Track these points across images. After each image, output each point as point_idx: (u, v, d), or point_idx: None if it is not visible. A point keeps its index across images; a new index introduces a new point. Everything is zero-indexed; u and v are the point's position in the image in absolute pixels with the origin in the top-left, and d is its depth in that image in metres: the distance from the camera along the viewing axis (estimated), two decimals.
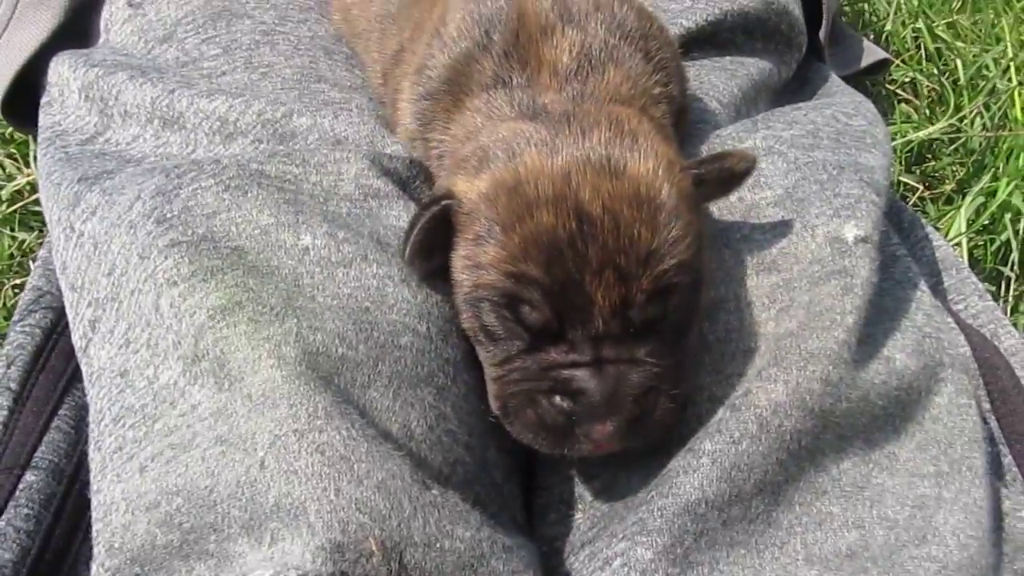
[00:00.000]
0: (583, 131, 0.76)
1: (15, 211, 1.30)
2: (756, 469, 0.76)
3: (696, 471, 0.75)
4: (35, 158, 1.26)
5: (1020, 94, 1.54)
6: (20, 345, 0.95)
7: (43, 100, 1.06)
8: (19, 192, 1.32)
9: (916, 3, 1.75)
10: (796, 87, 1.28)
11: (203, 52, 1.03)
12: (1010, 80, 1.57)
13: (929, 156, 1.53)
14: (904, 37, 1.70)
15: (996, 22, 1.71)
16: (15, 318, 0.98)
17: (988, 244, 1.35)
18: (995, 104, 1.53)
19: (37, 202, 1.26)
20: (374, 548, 0.64)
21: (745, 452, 0.76)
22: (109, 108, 0.98)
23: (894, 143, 1.42)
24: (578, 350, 0.73)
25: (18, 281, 1.21)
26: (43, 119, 1.04)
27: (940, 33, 1.70)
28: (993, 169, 1.43)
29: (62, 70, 1.04)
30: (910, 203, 1.41)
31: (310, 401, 0.69)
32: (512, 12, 0.87)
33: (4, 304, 1.18)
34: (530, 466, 0.87)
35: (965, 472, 0.84)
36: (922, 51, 1.67)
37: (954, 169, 1.49)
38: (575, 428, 0.73)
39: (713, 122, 1.05)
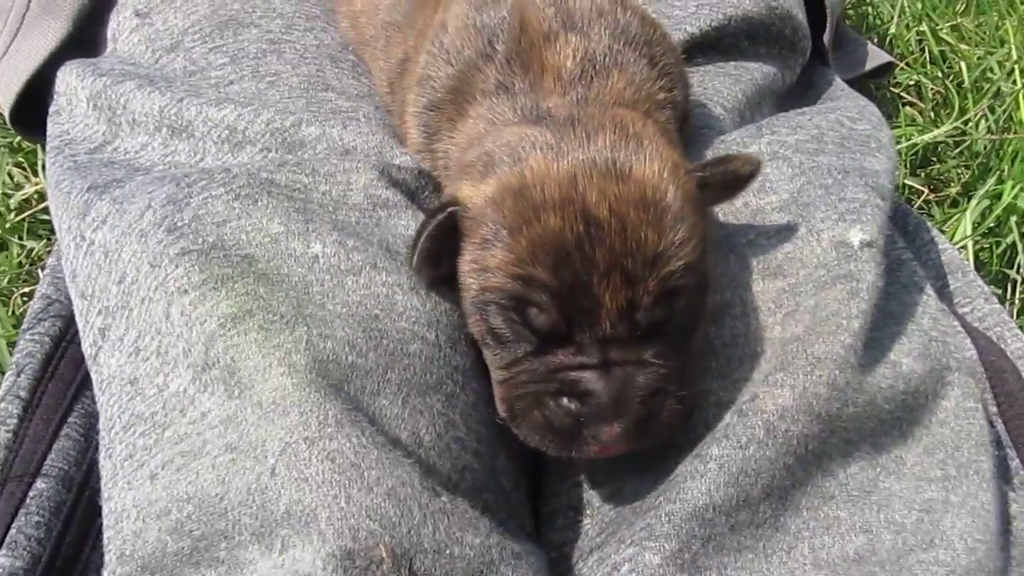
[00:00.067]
0: (588, 134, 0.76)
1: (23, 220, 1.30)
2: (763, 474, 0.76)
3: (703, 476, 0.76)
4: (43, 167, 1.27)
5: None
6: (29, 353, 0.95)
7: (51, 109, 1.07)
8: (27, 201, 1.33)
9: (920, 6, 1.75)
10: (800, 91, 1.28)
11: (210, 61, 1.03)
12: (1015, 83, 1.57)
13: (934, 159, 1.53)
14: (908, 40, 1.70)
15: (1000, 25, 1.72)
16: (24, 326, 0.98)
17: (994, 247, 1.35)
18: (1000, 107, 1.53)
19: (45, 211, 1.27)
20: (384, 555, 0.65)
21: (752, 457, 0.76)
22: (117, 117, 0.99)
23: (899, 146, 1.42)
24: (585, 352, 0.73)
25: (27, 289, 1.21)
26: (51, 128, 1.04)
27: (944, 36, 1.70)
28: (998, 172, 1.43)
29: (70, 79, 1.04)
30: (915, 206, 1.41)
31: (320, 409, 0.69)
32: (514, 20, 0.88)
33: (13, 312, 1.19)
34: (538, 473, 0.87)
35: (972, 476, 0.84)
36: (926, 54, 1.67)
37: (959, 172, 1.49)
38: (582, 430, 0.74)
39: (717, 127, 1.05)
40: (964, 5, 1.80)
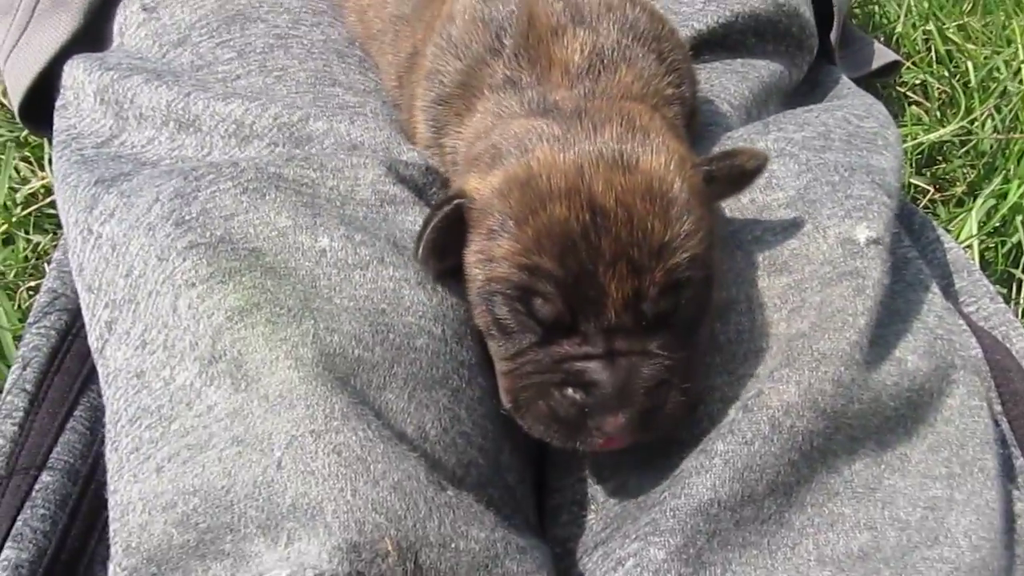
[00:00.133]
0: (595, 126, 0.76)
1: (30, 214, 1.30)
2: (768, 470, 0.76)
3: (708, 472, 0.76)
4: (49, 161, 1.27)
5: None
6: (35, 347, 0.95)
7: (58, 103, 1.07)
8: (33, 195, 1.33)
9: (926, 5, 1.75)
10: (807, 89, 1.28)
11: (217, 56, 1.03)
12: (1021, 82, 1.56)
13: (940, 158, 1.53)
14: (915, 39, 1.70)
15: (1007, 24, 1.71)
16: (30, 320, 0.99)
17: (999, 246, 1.35)
18: (1006, 106, 1.53)
19: (52, 205, 1.27)
20: (390, 548, 0.65)
21: (757, 453, 0.76)
22: (124, 111, 0.99)
23: (905, 145, 1.41)
24: (591, 342, 0.73)
25: (33, 283, 1.21)
26: (58, 122, 1.04)
27: (951, 35, 1.69)
28: (1004, 171, 1.43)
29: (77, 73, 1.04)
30: (921, 205, 1.41)
31: (327, 402, 0.69)
32: (522, 14, 0.88)
33: (19, 306, 1.19)
34: (542, 468, 0.87)
35: (977, 474, 0.84)
36: (933, 53, 1.67)
37: (965, 171, 1.49)
38: (587, 420, 0.73)
39: (724, 124, 1.05)
40: (971, 4, 1.80)
